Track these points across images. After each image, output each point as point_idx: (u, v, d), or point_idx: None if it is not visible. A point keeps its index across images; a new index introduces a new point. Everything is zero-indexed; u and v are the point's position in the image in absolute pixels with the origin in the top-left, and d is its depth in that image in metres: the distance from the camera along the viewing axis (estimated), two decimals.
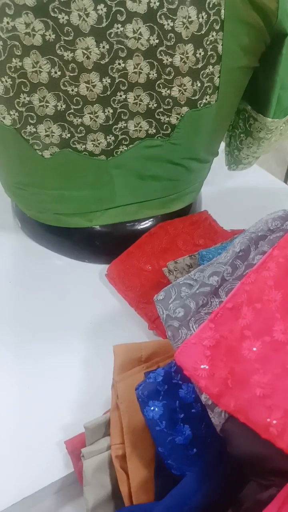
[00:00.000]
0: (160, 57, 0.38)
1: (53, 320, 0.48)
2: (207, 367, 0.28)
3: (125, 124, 0.43)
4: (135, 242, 0.54)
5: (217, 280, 0.35)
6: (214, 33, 0.38)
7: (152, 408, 0.30)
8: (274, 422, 0.24)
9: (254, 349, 0.27)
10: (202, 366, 0.28)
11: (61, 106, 0.40)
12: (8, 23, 0.35)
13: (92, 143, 0.43)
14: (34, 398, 0.41)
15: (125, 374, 0.36)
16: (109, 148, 0.44)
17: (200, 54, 0.38)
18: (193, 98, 0.41)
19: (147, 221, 0.55)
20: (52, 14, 0.35)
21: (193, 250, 0.53)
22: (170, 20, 0.36)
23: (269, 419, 0.24)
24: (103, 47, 0.37)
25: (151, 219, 0.56)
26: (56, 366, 0.44)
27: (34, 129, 0.41)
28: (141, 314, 0.47)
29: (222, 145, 0.58)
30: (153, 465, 0.32)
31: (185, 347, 0.29)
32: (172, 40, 0.37)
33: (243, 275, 0.35)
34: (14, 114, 0.40)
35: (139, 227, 0.56)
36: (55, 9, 0.35)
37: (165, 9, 0.36)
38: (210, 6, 0.37)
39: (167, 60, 0.38)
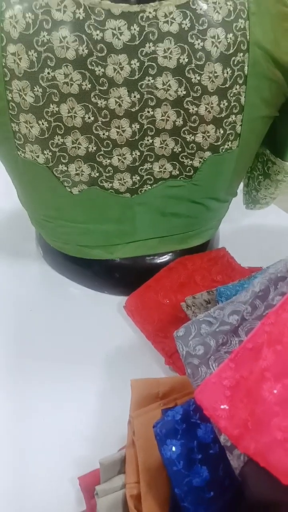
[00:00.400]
0: (187, 106, 0.41)
1: (70, 351, 0.49)
2: (227, 407, 0.29)
3: (151, 166, 0.45)
4: (154, 275, 0.55)
5: (237, 319, 0.36)
6: (237, 87, 0.40)
7: (170, 447, 0.31)
8: None
9: (275, 391, 0.28)
10: (222, 407, 0.29)
11: (92, 148, 0.42)
12: (48, 73, 0.38)
13: (119, 182, 0.46)
14: (48, 431, 0.41)
15: (142, 410, 0.37)
16: (134, 187, 0.46)
17: (224, 104, 0.41)
18: (215, 144, 0.44)
19: (166, 255, 0.57)
20: (90, 67, 0.38)
21: (210, 286, 0.55)
22: (197, 75, 0.39)
23: None
24: (134, 96, 0.40)
25: (170, 254, 0.57)
26: (71, 398, 0.44)
27: (65, 168, 0.44)
28: (158, 348, 0.48)
29: (241, 185, 0.60)
30: (168, 506, 0.32)
31: (205, 386, 0.30)
32: (199, 92, 0.40)
33: (262, 315, 0.36)
34: (47, 154, 0.43)
35: (158, 261, 0.57)
36: (93, 63, 0.38)
37: (193, 65, 0.39)
38: (235, 63, 0.39)
39: (193, 109, 0.41)
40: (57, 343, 0.50)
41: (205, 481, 0.30)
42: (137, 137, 0.42)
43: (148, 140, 0.43)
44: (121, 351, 0.49)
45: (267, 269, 0.41)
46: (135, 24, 0.37)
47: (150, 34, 0.37)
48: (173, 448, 0.31)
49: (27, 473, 0.38)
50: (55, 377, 0.46)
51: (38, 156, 0.43)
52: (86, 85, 0.38)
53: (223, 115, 0.42)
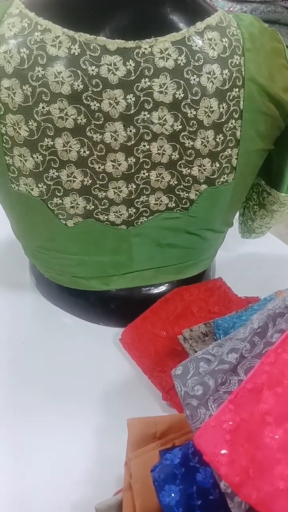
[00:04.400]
0: (183, 140, 0.41)
1: (64, 387, 0.47)
2: (227, 452, 0.28)
3: (147, 198, 0.45)
4: (150, 306, 0.54)
5: (236, 358, 0.35)
6: (233, 121, 0.41)
7: (168, 493, 0.29)
8: None
9: (276, 436, 0.27)
10: (222, 451, 0.28)
11: (88, 181, 0.42)
12: (43, 108, 0.38)
13: (114, 214, 0.45)
14: (39, 474, 0.39)
15: (139, 451, 0.35)
16: (130, 219, 0.46)
17: (219, 139, 0.41)
18: (211, 177, 0.44)
19: (163, 286, 0.56)
20: (85, 102, 0.38)
21: (207, 317, 0.54)
22: (193, 109, 0.39)
23: None
24: (130, 131, 0.40)
25: (167, 284, 0.57)
26: (65, 438, 0.42)
27: (60, 201, 0.43)
28: (155, 383, 0.47)
29: (237, 214, 0.60)
30: None
31: (204, 430, 0.29)
32: (194, 126, 0.40)
33: (262, 353, 0.35)
34: (42, 187, 0.42)
35: (155, 292, 0.56)
36: (88, 97, 0.38)
37: (189, 100, 0.39)
38: (230, 98, 0.40)
39: (189, 143, 0.41)
40: (50, 378, 0.48)
41: None
42: (133, 171, 0.42)
43: (144, 174, 0.43)
44: (118, 386, 0.48)
45: (265, 304, 0.41)
46: (130, 60, 0.37)
47: (146, 70, 0.38)
48: (172, 494, 0.30)
49: None
50: (47, 415, 0.44)
51: (32, 189, 0.43)
52: (81, 119, 0.39)
53: (219, 149, 0.42)
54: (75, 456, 0.41)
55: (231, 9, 1.18)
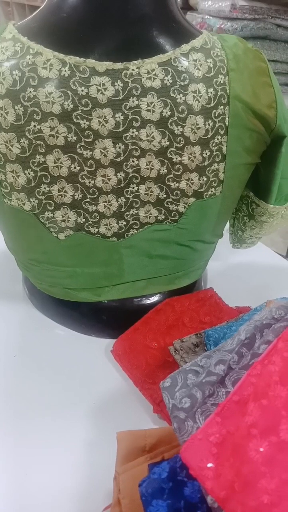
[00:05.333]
0: (170, 156, 0.42)
1: (55, 399, 0.47)
2: (213, 466, 0.28)
3: (136, 211, 0.46)
4: (142, 317, 0.55)
5: (223, 369, 0.35)
6: (219, 137, 0.42)
7: (156, 508, 0.30)
8: None
9: (261, 449, 0.27)
10: (208, 465, 0.28)
11: (78, 196, 0.43)
12: (35, 126, 0.39)
13: (105, 227, 0.46)
14: (27, 487, 0.39)
15: (128, 465, 0.35)
16: (120, 231, 0.47)
17: (206, 154, 0.42)
18: (199, 190, 0.44)
19: (154, 297, 0.57)
20: (75, 120, 0.39)
21: (199, 327, 0.54)
22: (180, 126, 0.40)
23: None
24: (119, 147, 0.41)
25: (158, 295, 0.57)
26: (54, 451, 0.42)
27: (52, 215, 0.44)
28: (146, 395, 0.47)
29: (227, 225, 0.61)
30: None
31: (191, 444, 0.29)
32: (181, 142, 0.41)
33: (249, 364, 0.35)
34: (33, 202, 0.43)
35: (146, 302, 0.57)
36: (78, 116, 0.39)
37: (175, 118, 0.40)
38: (216, 115, 0.41)
39: (176, 158, 0.42)
40: (41, 390, 0.48)
41: None
42: (122, 185, 0.43)
43: (133, 188, 0.44)
44: (109, 398, 0.48)
45: (253, 315, 0.41)
46: (119, 80, 0.38)
47: (134, 89, 0.39)
48: (160, 510, 0.30)
49: None
50: (38, 427, 0.44)
51: (24, 204, 0.43)
52: (71, 137, 0.39)
53: (205, 163, 0.43)
54: (64, 470, 0.40)
55: (222, 26, 1.20)
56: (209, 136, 0.41)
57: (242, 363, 0.36)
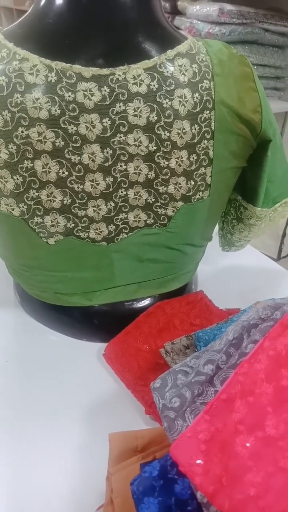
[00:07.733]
0: (158, 160, 0.43)
1: (46, 403, 0.47)
2: (202, 462, 0.29)
3: (126, 216, 0.46)
4: (133, 320, 0.55)
5: (212, 369, 0.36)
6: (205, 141, 0.43)
7: (147, 505, 0.30)
8: None
9: (248, 444, 0.28)
10: (197, 462, 0.29)
11: (67, 201, 0.44)
12: (22, 132, 0.40)
13: (95, 232, 0.47)
14: (20, 488, 0.39)
15: (120, 465, 0.36)
16: (110, 236, 0.48)
17: (193, 158, 0.43)
18: (187, 194, 0.45)
19: (145, 300, 0.57)
20: (63, 126, 0.40)
21: (189, 330, 0.55)
22: (167, 131, 0.41)
23: None
24: (107, 152, 0.41)
25: (149, 298, 0.58)
26: (47, 453, 0.42)
27: (41, 220, 0.44)
28: (138, 397, 0.47)
29: (216, 227, 0.62)
30: None
31: (180, 441, 0.30)
32: (168, 147, 0.42)
33: (237, 364, 0.36)
34: (22, 207, 0.44)
35: (137, 306, 0.57)
36: (65, 121, 0.40)
37: (162, 122, 0.41)
38: (202, 120, 0.42)
39: (164, 163, 0.43)
40: (34, 395, 0.49)
41: None
42: (111, 190, 0.44)
43: (122, 192, 0.44)
44: (101, 401, 0.48)
45: (240, 315, 0.42)
46: (105, 86, 0.39)
47: (120, 95, 0.40)
48: (151, 507, 0.30)
49: None
50: (31, 430, 0.45)
51: (13, 209, 0.44)
52: (59, 142, 0.40)
53: (193, 167, 0.44)
54: (57, 472, 0.41)
55: (210, 30, 1.22)
56: (195, 141, 0.42)
57: (230, 363, 0.37)
